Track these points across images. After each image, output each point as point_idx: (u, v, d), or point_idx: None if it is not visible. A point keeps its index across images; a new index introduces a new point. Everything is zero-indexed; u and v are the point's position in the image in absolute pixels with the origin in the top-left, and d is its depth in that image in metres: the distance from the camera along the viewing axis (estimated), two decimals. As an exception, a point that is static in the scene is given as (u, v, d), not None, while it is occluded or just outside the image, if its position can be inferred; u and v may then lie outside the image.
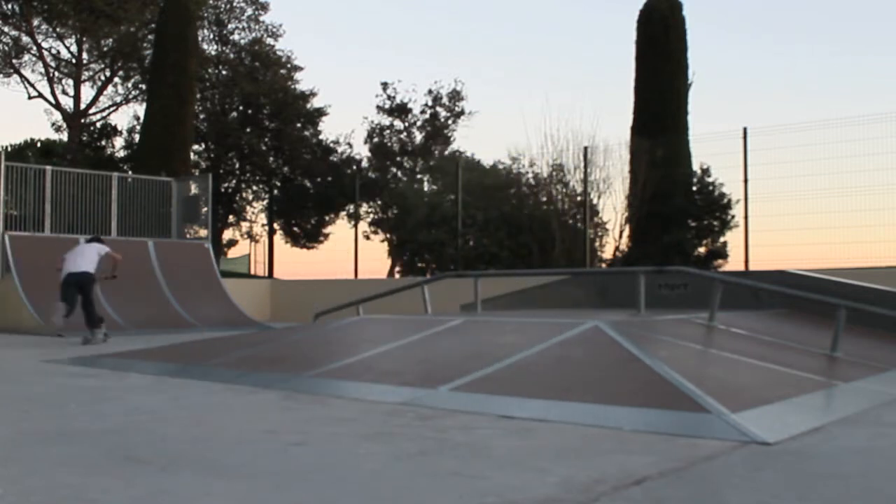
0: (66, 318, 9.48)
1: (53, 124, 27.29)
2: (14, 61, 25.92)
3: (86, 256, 9.89)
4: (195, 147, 24.44)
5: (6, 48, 25.70)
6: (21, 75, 26.13)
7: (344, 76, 44.80)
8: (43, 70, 25.87)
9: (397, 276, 20.76)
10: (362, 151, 29.69)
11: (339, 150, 27.08)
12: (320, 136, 26.91)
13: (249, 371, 5.55)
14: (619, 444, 3.23)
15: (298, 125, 26.44)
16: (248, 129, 25.96)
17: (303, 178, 26.70)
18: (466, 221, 16.72)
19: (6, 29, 25.35)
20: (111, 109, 26.96)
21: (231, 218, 27.20)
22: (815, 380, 4.79)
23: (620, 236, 15.99)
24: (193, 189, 16.46)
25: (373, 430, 3.53)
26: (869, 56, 39.28)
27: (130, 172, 19.50)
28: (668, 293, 8.44)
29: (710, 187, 15.36)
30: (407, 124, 26.91)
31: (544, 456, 2.99)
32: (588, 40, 44.55)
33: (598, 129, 35.79)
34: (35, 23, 25.15)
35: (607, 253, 16.60)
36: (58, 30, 25.43)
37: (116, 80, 26.75)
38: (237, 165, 26.65)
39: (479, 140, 44.93)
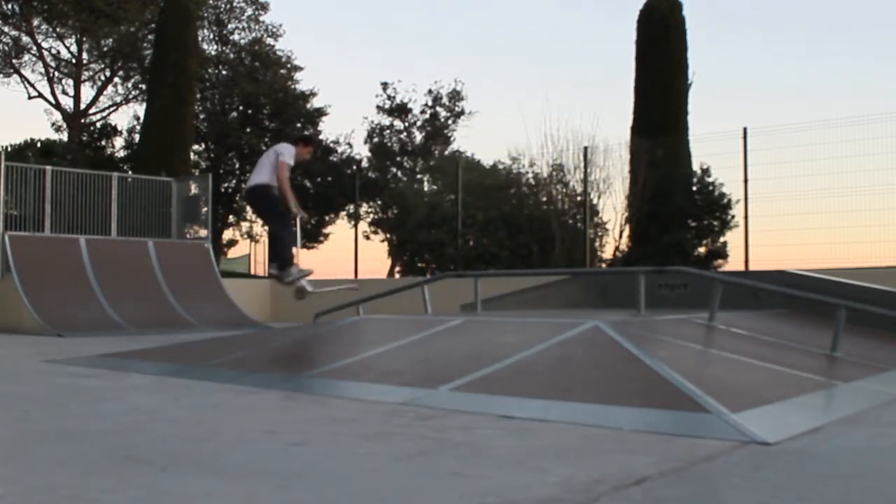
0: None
1: (53, 124, 27.35)
2: (14, 61, 25.95)
3: (261, 164, 7.58)
4: (195, 147, 24.46)
5: (6, 48, 25.72)
6: (21, 75, 26.16)
7: (344, 76, 44.85)
8: (43, 70, 25.92)
9: (397, 276, 20.76)
10: (362, 151, 29.71)
11: (339, 150, 27.11)
12: (320, 136, 26.94)
13: (249, 371, 5.54)
14: (619, 444, 3.23)
15: (298, 125, 26.45)
16: (248, 129, 25.97)
17: (303, 178, 26.72)
18: (466, 221, 16.71)
19: (6, 29, 25.38)
20: (111, 109, 27.02)
21: (231, 218, 27.20)
22: (815, 380, 4.78)
23: (620, 236, 16.01)
24: (193, 189, 16.46)
25: (373, 430, 3.53)
26: (869, 56, 39.30)
27: (130, 172, 19.50)
28: (668, 293, 8.43)
29: (710, 187, 15.36)
30: (407, 124, 26.92)
31: (544, 456, 2.99)
32: (588, 40, 44.58)
33: (598, 129, 35.90)
34: (35, 23, 25.16)
35: (607, 253, 16.62)
36: (58, 30, 25.45)
37: (116, 80, 26.79)
38: (237, 165, 26.66)
39: (479, 140, 44.97)
